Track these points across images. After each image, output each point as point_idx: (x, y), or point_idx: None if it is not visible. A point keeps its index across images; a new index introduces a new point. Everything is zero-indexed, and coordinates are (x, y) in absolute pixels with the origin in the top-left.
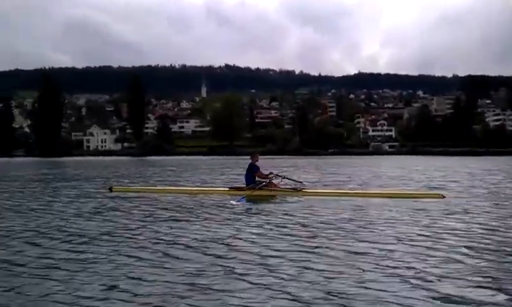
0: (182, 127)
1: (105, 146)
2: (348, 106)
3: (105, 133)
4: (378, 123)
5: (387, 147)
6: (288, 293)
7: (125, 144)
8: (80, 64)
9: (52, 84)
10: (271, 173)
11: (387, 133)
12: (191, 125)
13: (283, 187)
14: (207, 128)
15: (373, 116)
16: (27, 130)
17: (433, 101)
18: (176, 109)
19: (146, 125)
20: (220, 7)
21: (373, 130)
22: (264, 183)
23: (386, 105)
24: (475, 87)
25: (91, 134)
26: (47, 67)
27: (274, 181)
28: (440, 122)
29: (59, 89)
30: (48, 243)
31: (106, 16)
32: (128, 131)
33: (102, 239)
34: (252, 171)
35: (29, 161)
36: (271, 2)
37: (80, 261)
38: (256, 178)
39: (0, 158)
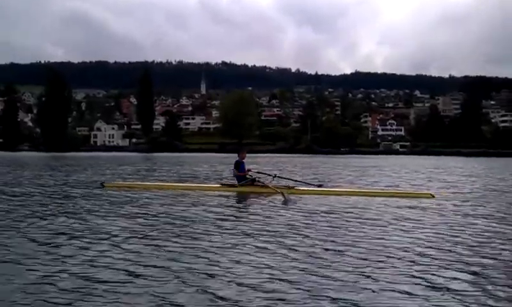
0: (188, 124)
1: (113, 142)
2: (353, 105)
3: (113, 129)
4: (388, 123)
5: (398, 147)
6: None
7: (133, 140)
8: (75, 59)
9: (58, 78)
10: (249, 170)
11: (397, 133)
12: (196, 122)
13: (275, 184)
14: (213, 125)
15: (381, 115)
16: (30, 124)
17: (439, 101)
18: (176, 106)
19: None
20: (216, 3)
21: (382, 130)
22: (256, 179)
23: (386, 105)
24: (477, 88)
25: (99, 129)
26: (42, 61)
27: (258, 179)
28: (449, 122)
29: (65, 84)
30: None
31: (101, 11)
32: (133, 127)
33: (79, 236)
34: (237, 168)
35: (40, 156)
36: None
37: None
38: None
39: (7, 153)
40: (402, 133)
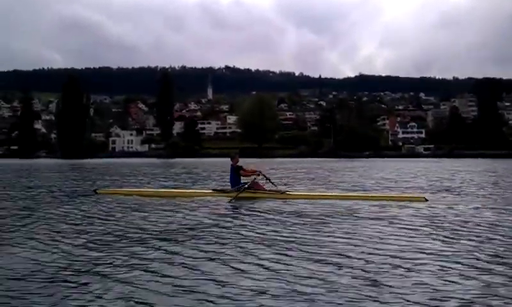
0: (203, 128)
1: (131, 147)
2: (368, 108)
3: (131, 134)
4: (408, 125)
5: (422, 150)
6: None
7: (152, 146)
8: (76, 65)
9: (76, 84)
10: (260, 172)
11: (420, 136)
12: (212, 127)
13: (268, 189)
14: (229, 130)
15: (399, 118)
16: (43, 130)
17: (455, 103)
18: (184, 111)
19: None
20: (215, 7)
21: (403, 133)
22: (248, 185)
23: (396, 107)
24: (487, 89)
25: (117, 135)
26: (45, 68)
27: (260, 181)
28: (470, 124)
29: (82, 90)
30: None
31: (99, 16)
32: (148, 132)
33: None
34: (237, 172)
35: (65, 163)
36: (266, 2)
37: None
38: (242, 179)
39: (25, 160)
40: (423, 135)
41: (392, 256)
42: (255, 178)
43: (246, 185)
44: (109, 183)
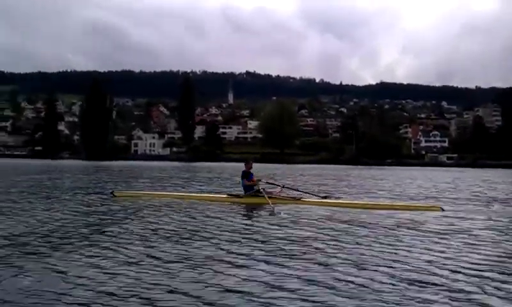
0: (224, 133)
1: (153, 151)
2: (390, 116)
3: (153, 138)
4: (431, 134)
5: (445, 159)
6: None
7: (174, 149)
8: (98, 68)
9: (99, 87)
10: (260, 179)
11: (443, 145)
12: (233, 132)
13: (282, 195)
14: (250, 135)
15: (421, 127)
16: (66, 131)
17: (479, 112)
18: (205, 115)
19: None
20: (238, 13)
21: (426, 141)
22: (262, 190)
23: (418, 116)
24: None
25: (140, 138)
26: (68, 70)
27: (272, 189)
28: (495, 134)
29: (105, 93)
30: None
31: (121, 20)
32: (170, 136)
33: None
34: (247, 178)
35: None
36: (288, 8)
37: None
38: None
39: (51, 161)
40: (447, 144)
41: (486, 277)
42: (258, 185)
43: (262, 191)
44: (143, 186)
